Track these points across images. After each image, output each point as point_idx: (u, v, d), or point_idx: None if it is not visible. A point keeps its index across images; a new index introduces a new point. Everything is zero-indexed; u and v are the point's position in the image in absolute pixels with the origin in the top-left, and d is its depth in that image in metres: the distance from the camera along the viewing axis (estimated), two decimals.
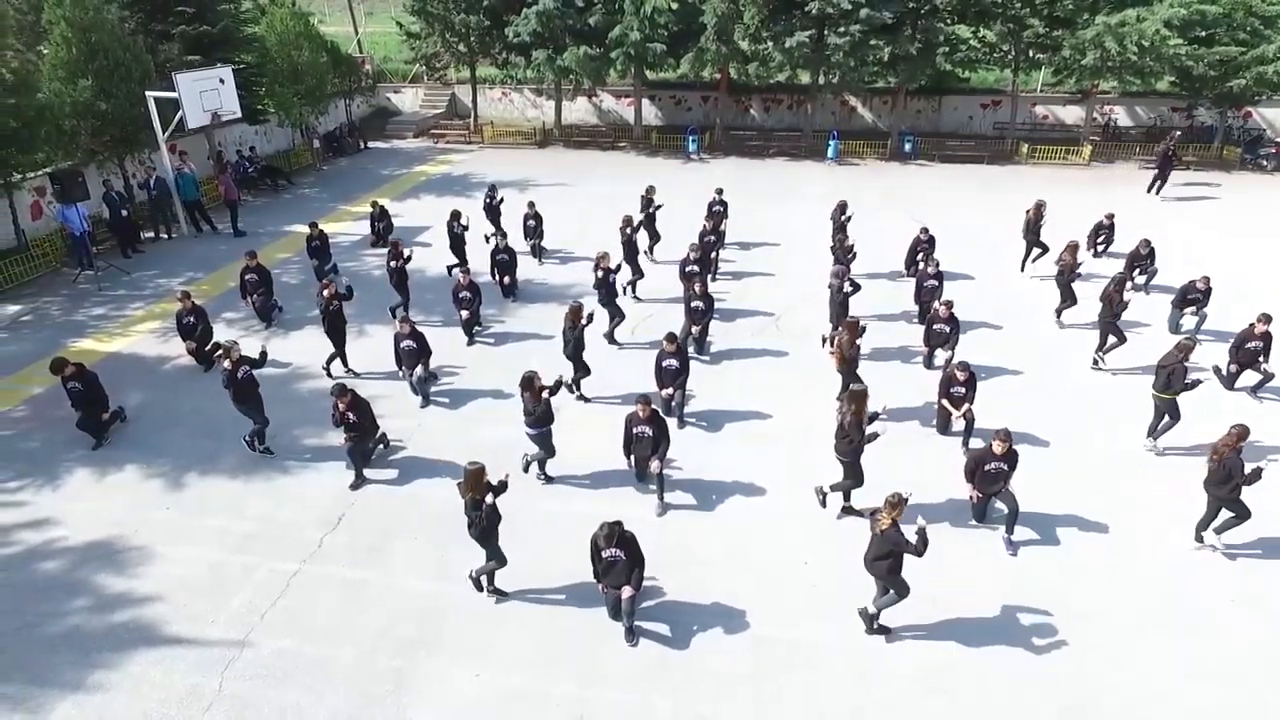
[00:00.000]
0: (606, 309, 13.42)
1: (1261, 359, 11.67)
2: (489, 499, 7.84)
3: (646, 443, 9.38)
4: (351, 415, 9.80)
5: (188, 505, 9.87)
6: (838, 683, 7.40)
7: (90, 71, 17.38)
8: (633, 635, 7.79)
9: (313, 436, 11.14)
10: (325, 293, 12.30)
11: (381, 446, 10.69)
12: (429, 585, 8.52)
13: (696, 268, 13.90)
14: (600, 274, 13.19)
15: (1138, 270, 15.57)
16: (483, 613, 8.21)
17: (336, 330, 12.50)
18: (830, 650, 7.72)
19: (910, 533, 7.30)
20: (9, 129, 15.67)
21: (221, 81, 19.18)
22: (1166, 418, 10.50)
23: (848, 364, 11.21)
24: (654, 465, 9.38)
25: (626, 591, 7.56)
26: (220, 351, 10.79)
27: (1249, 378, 11.92)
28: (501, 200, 18.08)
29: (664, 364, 10.97)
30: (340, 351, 12.70)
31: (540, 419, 9.73)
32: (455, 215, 16.10)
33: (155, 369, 13.19)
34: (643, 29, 24.61)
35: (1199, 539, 8.97)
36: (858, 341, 11.31)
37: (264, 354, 10.97)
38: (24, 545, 9.18)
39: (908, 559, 7.41)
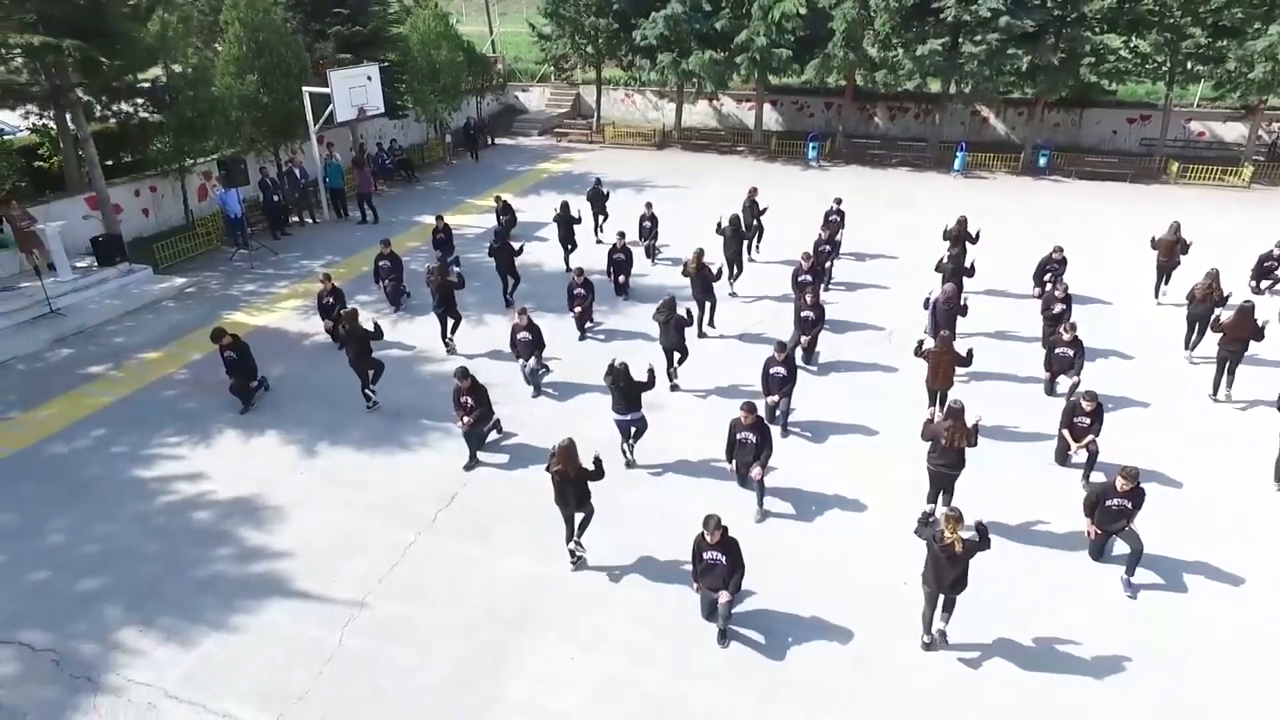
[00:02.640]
0: (704, 301, 13.85)
1: None
2: (591, 472, 8.42)
3: (750, 449, 9.47)
4: (470, 399, 10.36)
5: (319, 471, 10.72)
6: (930, 710, 7.27)
7: (257, 67, 19.02)
8: (725, 638, 7.90)
9: (432, 417, 11.82)
10: (433, 277, 13.37)
11: (495, 432, 11.25)
12: (531, 567, 8.93)
13: (809, 277, 13.83)
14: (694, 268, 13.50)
15: None
16: (580, 598, 8.53)
17: (447, 306, 13.45)
18: (926, 675, 7.58)
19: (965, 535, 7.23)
20: (187, 119, 17.38)
21: (369, 79, 20.54)
22: None
23: (941, 380, 10.90)
24: (755, 471, 9.46)
25: (724, 596, 7.68)
26: (344, 315, 11.99)
27: None
28: (608, 195, 18.85)
29: (771, 371, 11.00)
30: (444, 326, 13.66)
31: (632, 403, 10.09)
32: (564, 206, 16.87)
33: (296, 344, 14.32)
34: (769, 34, 24.54)
35: None
36: (949, 357, 10.90)
37: (377, 327, 12.04)
38: (181, 495, 10.23)
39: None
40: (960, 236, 15.52)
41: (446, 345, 13.73)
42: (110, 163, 18.91)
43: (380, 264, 15.29)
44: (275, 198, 19.63)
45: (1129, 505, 8.34)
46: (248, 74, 18.98)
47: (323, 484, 10.43)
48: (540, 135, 31.61)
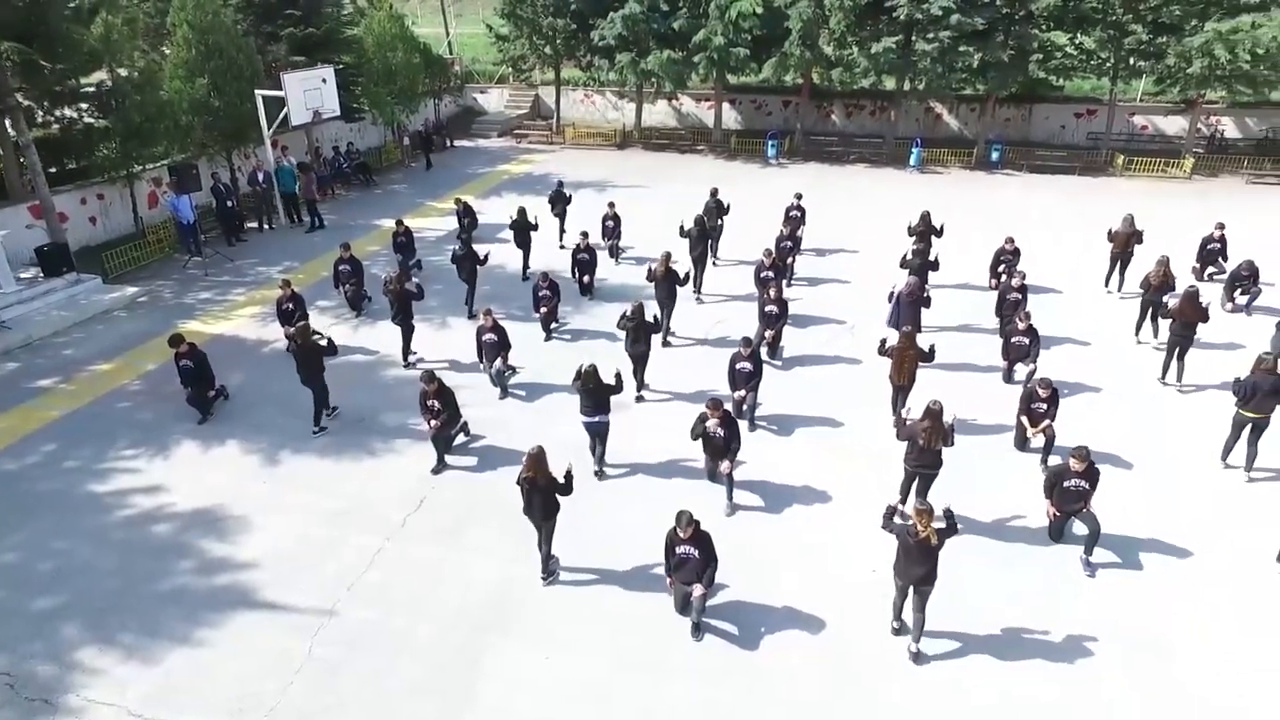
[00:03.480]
0: (669, 304, 13.72)
1: None
2: (560, 485, 8.33)
3: (718, 443, 9.54)
4: (436, 402, 10.27)
5: (282, 480, 10.52)
6: (902, 693, 7.40)
7: (207, 70, 18.60)
8: (699, 631, 7.95)
9: (397, 421, 11.69)
10: (391, 285, 12.94)
11: (463, 435, 11.16)
12: (503, 570, 8.88)
13: (772, 273, 13.97)
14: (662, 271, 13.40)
15: (1239, 290, 14.87)
16: (552, 600, 8.51)
17: (405, 316, 13.06)
18: (897, 660, 7.71)
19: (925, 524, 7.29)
20: (134, 124, 16.93)
21: (324, 81, 20.23)
22: (1254, 439, 10.07)
23: (905, 376, 11.07)
24: (724, 465, 9.54)
25: (698, 589, 7.72)
26: (295, 329, 11.58)
27: None
28: (570, 198, 18.78)
29: (738, 367, 11.09)
30: (405, 338, 13.25)
31: (600, 406, 10.04)
32: (521, 211, 16.72)
33: (255, 351, 14.04)
34: (727, 33, 24.74)
35: None
36: (913, 352, 11.02)
37: (330, 342, 11.60)
38: (139, 508, 9.96)
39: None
40: (926, 231, 15.82)
41: (407, 363, 13.27)
42: (54, 170, 18.36)
43: (340, 268, 15.06)
44: (229, 203, 19.23)
45: (1086, 485, 8.59)
46: (198, 77, 18.55)
47: (287, 492, 10.25)
48: (500, 136, 31.44)
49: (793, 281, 16.29)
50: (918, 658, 7.66)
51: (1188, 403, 12.05)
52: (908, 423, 9.32)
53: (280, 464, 10.86)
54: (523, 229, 16.66)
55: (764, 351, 12.86)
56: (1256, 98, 24.96)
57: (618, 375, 10.17)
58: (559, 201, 18.69)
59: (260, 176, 20.14)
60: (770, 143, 27.30)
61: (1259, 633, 7.96)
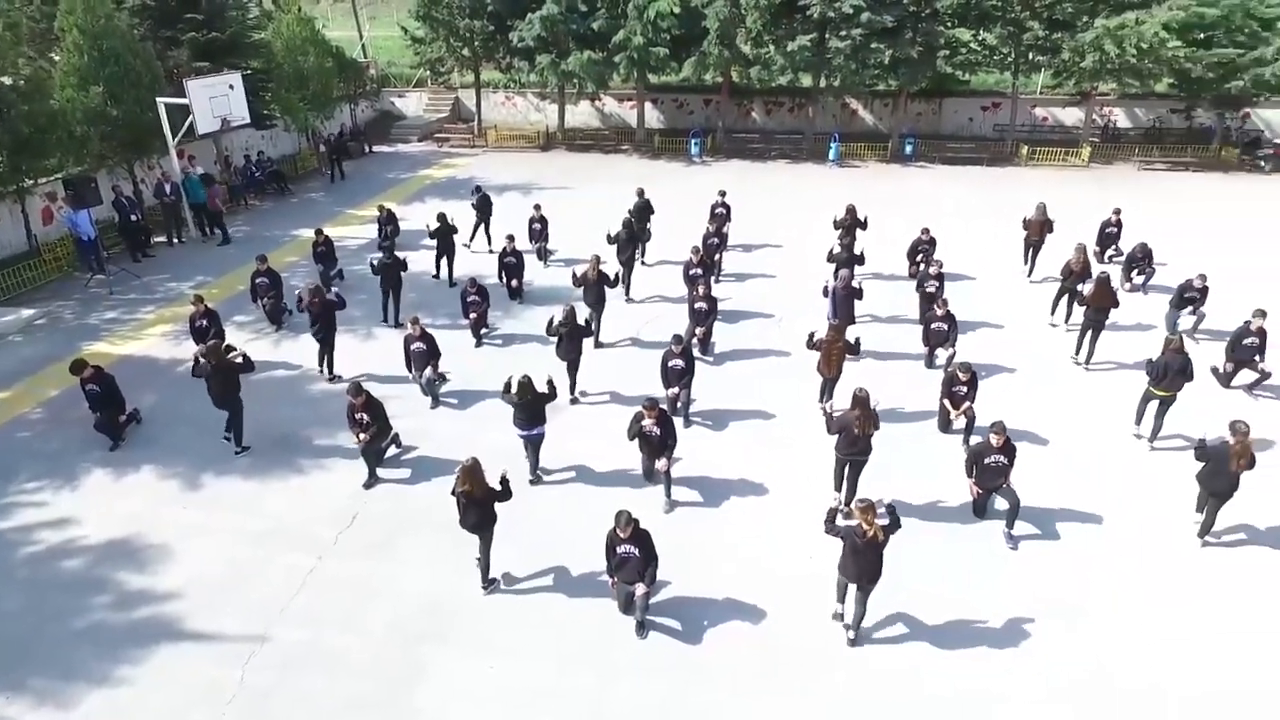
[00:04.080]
0: (599, 308, 13.68)
1: (1257, 357, 11.85)
2: (498, 493, 8.24)
3: (654, 442, 9.59)
4: (365, 415, 10.01)
5: (204, 503, 10.09)
6: (845, 676, 7.59)
7: (102, 78, 17.64)
8: (643, 629, 7.98)
9: (325, 437, 11.35)
10: (312, 298, 12.50)
11: (394, 447, 10.90)
12: (442, 582, 8.72)
13: (700, 270, 14.12)
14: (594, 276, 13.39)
15: (1135, 271, 15.78)
16: (494, 608, 8.41)
17: (326, 330, 12.71)
18: (838, 646, 7.90)
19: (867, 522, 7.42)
20: (23, 136, 15.92)
21: (231, 88, 19.43)
22: (1160, 414, 10.71)
23: (833, 369, 11.37)
24: (661, 464, 9.60)
25: (640, 588, 7.75)
26: (206, 348, 11.09)
27: (1245, 376, 12.10)
28: (487, 200, 18.43)
29: (670, 364, 11.16)
30: (330, 354, 12.89)
31: (537, 417, 9.94)
32: (441, 218, 16.38)
33: (168, 371, 13.40)
34: (646, 33, 24.85)
35: (1204, 531, 9.13)
36: (840, 345, 11.33)
37: (246, 358, 11.18)
38: (45, 544, 9.39)
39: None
40: (851, 225, 16.24)
41: (330, 377, 12.88)
42: None
43: (258, 281, 14.52)
44: (134, 217, 18.29)
45: (1004, 461, 8.98)
46: (91, 85, 17.56)
47: (210, 515, 9.83)
48: (420, 141, 30.82)
49: (721, 278, 16.50)
50: (855, 641, 7.86)
51: (1097, 381, 12.72)
52: (835, 415, 9.55)
53: (202, 487, 10.40)
54: (445, 235, 16.37)
55: (695, 348, 12.99)
56: (1143, 89, 26.56)
57: (550, 383, 10.09)
58: (484, 207, 18.38)
59: (167, 188, 19.21)
60: (694, 141, 27.58)
61: (1168, 601, 8.46)
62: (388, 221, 18.37)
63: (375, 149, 29.27)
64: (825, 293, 13.51)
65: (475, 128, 30.74)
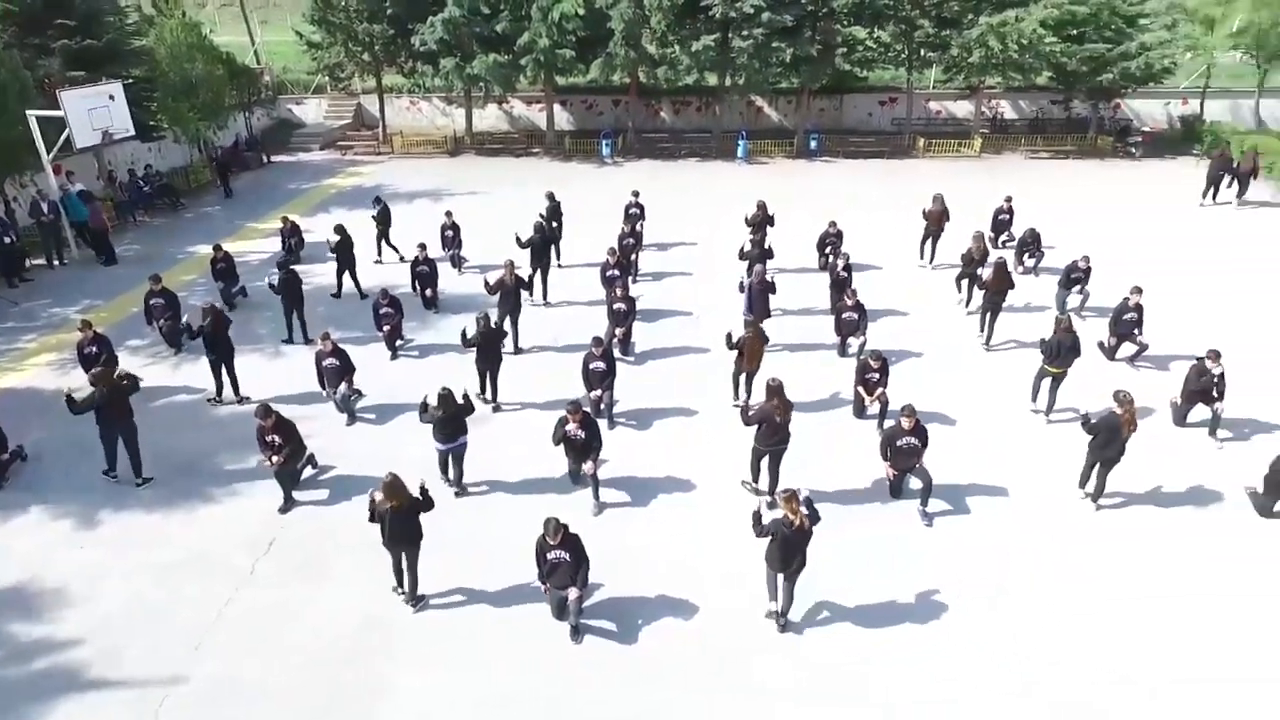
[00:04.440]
0: (516, 315, 13.56)
1: (1136, 330, 12.73)
2: (421, 502, 8.07)
3: (579, 445, 9.57)
4: (276, 437, 9.62)
5: (104, 541, 9.49)
6: (783, 658, 7.77)
7: None
8: (578, 634, 7.96)
9: (235, 462, 10.85)
10: (203, 321, 11.89)
11: (310, 468, 10.52)
12: (371, 601, 8.48)
13: (617, 271, 14.18)
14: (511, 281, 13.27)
15: (1027, 255, 16.70)
16: (424, 624, 8.23)
17: (222, 352, 12.10)
18: (769, 633, 8.08)
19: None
20: None
21: (111, 98, 18.32)
22: (1054, 389, 11.38)
23: (753, 364, 11.61)
24: (587, 467, 9.59)
25: (573, 592, 7.72)
26: (95, 374, 10.46)
27: (1128, 349, 12.98)
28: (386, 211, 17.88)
29: (591, 367, 11.17)
30: (231, 376, 12.26)
31: (459, 429, 9.78)
32: (340, 229, 15.86)
33: (55, 403, 12.43)
34: (551, 35, 24.76)
35: (1094, 497, 9.77)
36: (759, 342, 11.60)
37: (132, 379, 10.64)
38: None
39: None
40: (762, 222, 16.59)
41: (238, 399, 12.30)
42: None
43: (152, 302, 13.76)
44: (7, 239, 17.02)
45: (916, 443, 9.36)
46: None
47: (111, 553, 9.26)
48: (322, 149, 29.78)
49: (638, 278, 16.60)
50: (785, 627, 8.05)
51: (997, 361, 13.40)
52: (752, 409, 9.75)
53: (100, 524, 9.78)
54: (346, 248, 15.83)
55: (616, 349, 13.03)
56: (1025, 83, 28.13)
57: (465, 396, 9.90)
58: (384, 219, 17.84)
59: (44, 207, 17.96)
60: (604, 142, 27.64)
61: (1079, 574, 8.98)
62: (291, 234, 17.72)
63: (274, 159, 28.13)
64: (741, 288, 13.77)
65: (380, 134, 29.95)
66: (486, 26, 25.28)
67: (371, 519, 8.07)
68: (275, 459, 9.65)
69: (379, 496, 7.92)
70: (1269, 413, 11.45)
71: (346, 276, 16.02)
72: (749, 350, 11.43)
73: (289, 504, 9.95)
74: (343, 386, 11.67)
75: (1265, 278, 16.29)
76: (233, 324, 12.47)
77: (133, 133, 19.25)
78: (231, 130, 26.52)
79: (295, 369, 13.04)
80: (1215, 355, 10.72)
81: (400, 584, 8.41)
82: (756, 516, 7.82)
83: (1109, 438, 9.36)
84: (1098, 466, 9.60)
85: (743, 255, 15.33)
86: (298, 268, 15.27)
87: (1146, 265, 16.29)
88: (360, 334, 14.18)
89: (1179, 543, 9.18)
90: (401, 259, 17.55)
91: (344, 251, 15.78)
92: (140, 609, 8.44)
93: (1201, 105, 28.96)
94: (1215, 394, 10.74)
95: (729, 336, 11.46)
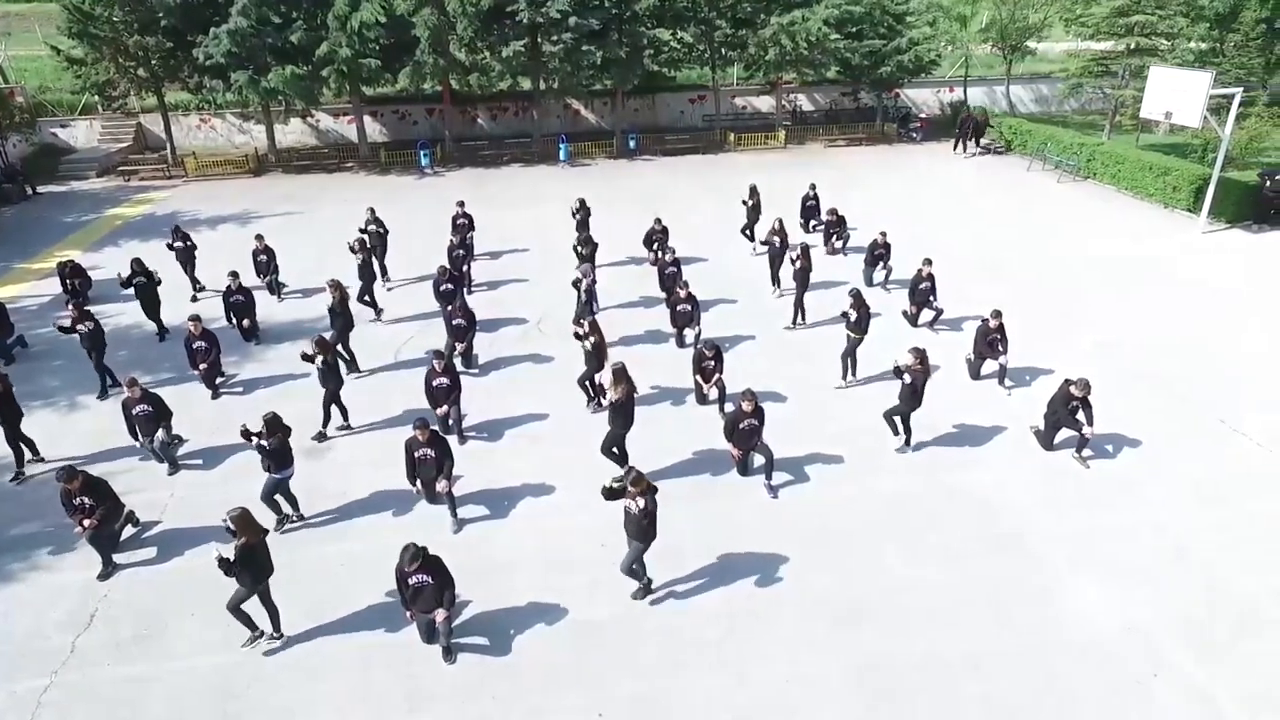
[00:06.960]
0: (348, 334, 13.13)
1: (932, 297, 14.27)
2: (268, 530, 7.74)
3: (431, 464, 9.41)
4: (86, 499, 8.71)
5: None
6: (655, 647, 8.07)
7: None
8: (450, 654, 7.86)
9: (37, 530, 9.68)
10: None
11: (131, 526, 9.59)
12: (223, 657, 7.91)
13: (451, 285, 13.98)
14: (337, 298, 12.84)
15: (835, 237, 18.18)
16: (288, 671, 7.80)
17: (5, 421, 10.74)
18: (640, 619, 8.38)
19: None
20: None
21: None
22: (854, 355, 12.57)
23: (601, 359, 11.94)
24: (441, 485, 9.44)
25: (440, 614, 7.60)
26: None
27: (927, 315, 14.52)
28: (192, 244, 16.55)
29: (434, 384, 10.98)
30: (15, 449, 10.85)
31: (288, 458, 9.40)
32: (137, 263, 14.52)
33: None
34: (352, 44, 23.79)
35: (907, 443, 10.94)
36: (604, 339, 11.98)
37: None
38: None
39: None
40: (585, 219, 16.91)
41: (35, 456, 11.06)
42: None
43: None
44: None
45: (756, 423, 10.02)
46: None
47: None
48: (100, 176, 26.77)
49: (473, 289, 16.42)
50: (646, 592, 8.54)
51: (811, 337, 14.49)
52: (605, 401, 10.05)
53: None
54: (145, 285, 14.43)
55: (459, 363, 12.86)
56: (817, 77, 30.53)
57: (281, 422, 9.49)
58: (186, 252, 16.42)
59: None
60: (422, 152, 26.94)
61: (907, 529, 10.01)
62: (73, 275, 15.85)
63: (41, 189, 24.99)
64: (575, 285, 14.01)
65: (169, 156, 27.39)
66: (279, 37, 23.82)
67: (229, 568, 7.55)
68: (87, 523, 8.73)
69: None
70: (1045, 359, 13.23)
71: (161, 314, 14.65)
72: (596, 349, 11.71)
73: (109, 569, 9.03)
74: (160, 434, 10.71)
75: (1022, 230, 18.77)
76: (13, 384, 10.99)
77: None
78: None
79: (100, 422, 11.80)
80: (996, 314, 12.25)
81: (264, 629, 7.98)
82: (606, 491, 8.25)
83: (914, 390, 10.50)
84: (903, 413, 10.77)
85: (577, 253, 15.61)
86: (91, 308, 13.80)
87: (936, 238, 18.23)
88: (173, 374, 13.05)
89: (979, 477, 10.49)
90: (201, 289, 16.21)
91: (140, 290, 14.35)
92: None
93: (965, 92, 32.70)
94: (1000, 348, 12.28)
95: (577, 335, 11.72)
